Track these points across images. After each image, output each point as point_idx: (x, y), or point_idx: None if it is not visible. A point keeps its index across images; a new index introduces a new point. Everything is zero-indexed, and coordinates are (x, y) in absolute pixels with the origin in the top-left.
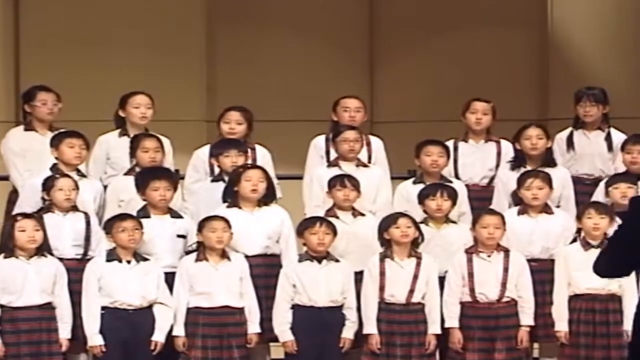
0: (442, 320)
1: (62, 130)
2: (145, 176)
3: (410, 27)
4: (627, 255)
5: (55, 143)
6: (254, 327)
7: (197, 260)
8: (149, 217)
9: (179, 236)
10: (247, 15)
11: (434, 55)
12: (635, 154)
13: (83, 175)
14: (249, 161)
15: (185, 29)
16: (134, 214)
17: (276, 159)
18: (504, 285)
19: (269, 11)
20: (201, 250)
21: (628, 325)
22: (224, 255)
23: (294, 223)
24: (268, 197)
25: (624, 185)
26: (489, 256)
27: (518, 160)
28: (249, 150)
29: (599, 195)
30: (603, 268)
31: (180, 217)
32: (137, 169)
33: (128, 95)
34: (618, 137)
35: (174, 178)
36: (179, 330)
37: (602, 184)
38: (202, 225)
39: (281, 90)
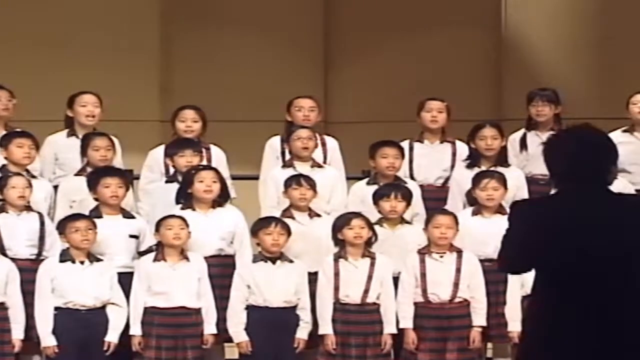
0: (397, 320)
1: (12, 130)
2: (96, 174)
3: (365, 27)
4: (518, 256)
5: (4, 143)
6: (210, 327)
7: (155, 260)
8: (101, 217)
9: (131, 236)
10: (201, 15)
11: (389, 55)
12: None
13: (33, 176)
14: (204, 161)
15: (140, 28)
16: (87, 214)
17: (231, 159)
18: (456, 285)
19: (224, 11)
20: (159, 250)
21: None
22: (182, 255)
23: (249, 223)
24: (222, 198)
25: None
26: (441, 256)
27: (472, 160)
28: (204, 150)
29: None
30: (501, 266)
31: (132, 217)
32: (89, 169)
33: (75, 94)
34: None
35: (125, 176)
36: (136, 330)
37: None
38: (159, 224)
39: (236, 90)
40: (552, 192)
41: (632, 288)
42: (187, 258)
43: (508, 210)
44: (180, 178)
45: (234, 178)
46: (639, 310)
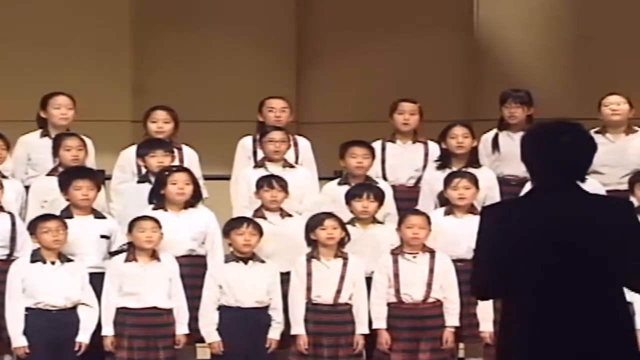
0: (370, 321)
1: None
2: (68, 175)
3: (338, 28)
4: (491, 271)
5: None
6: (182, 327)
7: (127, 260)
8: (72, 217)
9: (102, 237)
10: (174, 14)
11: (362, 56)
12: None
13: (4, 176)
14: (176, 161)
15: (112, 28)
16: (58, 214)
17: (203, 159)
18: (429, 285)
19: (196, 11)
20: (131, 251)
21: None
22: (153, 255)
23: (221, 224)
24: (194, 199)
25: None
26: (414, 257)
27: (444, 160)
28: (176, 150)
29: None
30: (475, 290)
31: (103, 217)
32: (60, 169)
33: (48, 96)
34: None
35: (97, 177)
36: (108, 330)
37: (529, 184)
38: (131, 226)
39: (209, 90)
40: (527, 189)
41: (608, 289)
42: (158, 258)
43: (480, 212)
44: (152, 178)
45: (206, 178)
46: (614, 311)
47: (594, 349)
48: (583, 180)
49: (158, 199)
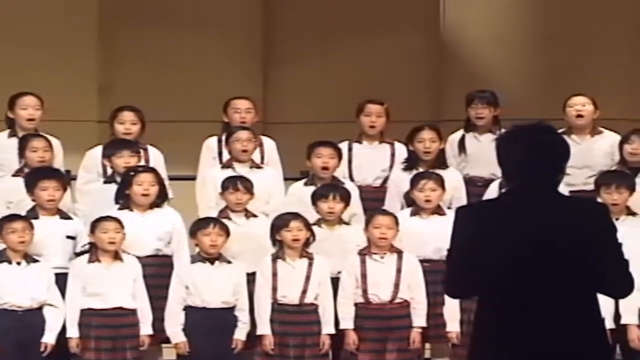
0: (336, 321)
1: None
2: (34, 176)
3: (305, 29)
4: (462, 269)
5: None
6: (146, 328)
7: (90, 261)
8: (38, 218)
9: (68, 237)
10: (140, 14)
11: (328, 57)
12: None
13: None
14: (142, 162)
15: (78, 27)
16: (24, 215)
17: (169, 160)
18: (396, 286)
19: (163, 10)
20: (93, 252)
21: None
22: (116, 256)
23: (187, 224)
24: (160, 199)
25: None
26: (382, 257)
27: (411, 162)
28: (142, 151)
29: (490, 195)
30: (452, 289)
31: (69, 218)
32: (26, 170)
33: (16, 96)
34: None
35: (63, 178)
36: (73, 332)
37: (495, 185)
38: (94, 226)
39: (175, 91)
40: (492, 189)
41: (582, 289)
42: (121, 259)
43: (455, 212)
44: (118, 179)
45: (171, 179)
46: (589, 312)
47: (567, 349)
48: (557, 181)
49: (124, 199)
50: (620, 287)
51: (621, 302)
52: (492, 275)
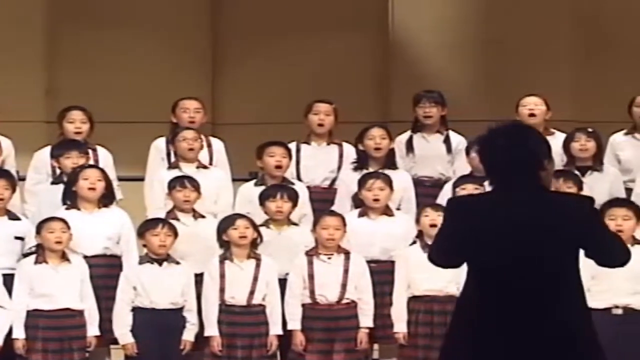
0: (284, 322)
1: None
2: None
3: (253, 29)
4: (447, 253)
5: None
6: (93, 329)
7: (37, 262)
8: None
9: (16, 238)
10: (88, 14)
11: (277, 58)
12: None
13: None
14: (91, 162)
15: (25, 27)
16: None
17: (118, 161)
18: (344, 286)
19: (111, 11)
20: (40, 252)
21: None
22: (63, 257)
23: (136, 225)
24: (107, 198)
25: (471, 187)
26: (329, 258)
27: (360, 162)
28: (90, 151)
29: (445, 196)
30: (433, 256)
31: (18, 218)
32: None
33: None
34: (457, 140)
35: (12, 178)
36: (19, 333)
37: (449, 185)
38: (40, 227)
39: (122, 91)
40: (446, 189)
41: (560, 289)
42: (68, 260)
43: (446, 202)
44: (65, 179)
45: (120, 179)
46: (566, 313)
47: (541, 349)
48: (538, 177)
49: (71, 198)
50: (617, 257)
51: None
52: (475, 273)
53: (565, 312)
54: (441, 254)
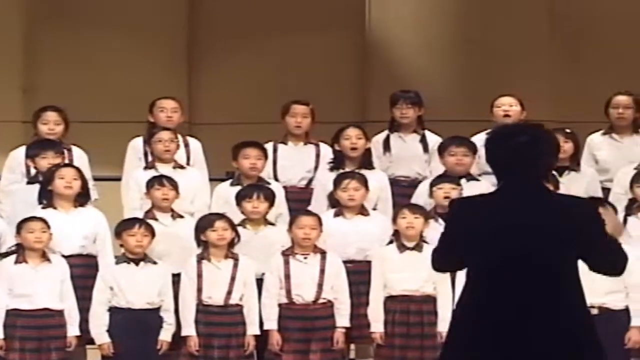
0: (261, 322)
1: None
2: None
3: (230, 29)
4: (450, 254)
5: None
6: (73, 329)
7: (17, 262)
8: None
9: None
10: (65, 14)
11: (254, 57)
12: (459, 155)
13: None
14: (66, 162)
15: (3, 27)
16: None
17: (94, 160)
18: (320, 286)
19: (88, 10)
20: (20, 252)
21: (442, 326)
22: (44, 257)
23: (112, 225)
24: (83, 198)
25: (448, 186)
26: (305, 258)
27: (337, 162)
28: (65, 151)
29: (420, 196)
30: (436, 264)
31: None
32: None
33: None
34: (433, 140)
35: None
36: None
37: (425, 185)
38: (20, 227)
39: (99, 91)
40: (422, 189)
41: (560, 293)
42: (48, 259)
43: (449, 203)
44: (41, 179)
45: (97, 179)
46: (565, 316)
47: (538, 352)
48: (544, 176)
49: (47, 197)
50: (616, 264)
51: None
52: (477, 275)
53: (571, 317)
54: (446, 259)
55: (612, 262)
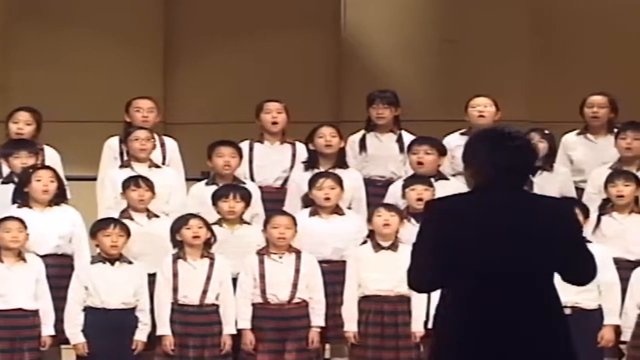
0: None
1: None
2: None
3: (205, 29)
4: (431, 261)
5: None
6: (48, 329)
7: None
8: None
9: None
10: (40, 13)
11: (229, 57)
12: (421, 154)
13: None
14: (39, 162)
15: None
16: None
17: (69, 160)
18: (295, 286)
19: (63, 10)
20: None
21: (416, 326)
22: (19, 256)
23: (87, 224)
24: (59, 198)
25: (421, 187)
26: (280, 257)
27: (311, 162)
28: (38, 151)
29: (392, 196)
30: (414, 282)
31: None
32: None
33: None
34: (409, 140)
35: None
36: None
37: (397, 186)
38: None
39: (74, 90)
40: (394, 188)
41: (540, 300)
42: (24, 259)
43: (424, 205)
44: (15, 179)
45: (72, 179)
46: (543, 322)
47: (530, 340)
48: (525, 181)
49: (22, 197)
50: (583, 275)
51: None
52: (460, 269)
53: (552, 325)
54: (423, 271)
55: (587, 269)
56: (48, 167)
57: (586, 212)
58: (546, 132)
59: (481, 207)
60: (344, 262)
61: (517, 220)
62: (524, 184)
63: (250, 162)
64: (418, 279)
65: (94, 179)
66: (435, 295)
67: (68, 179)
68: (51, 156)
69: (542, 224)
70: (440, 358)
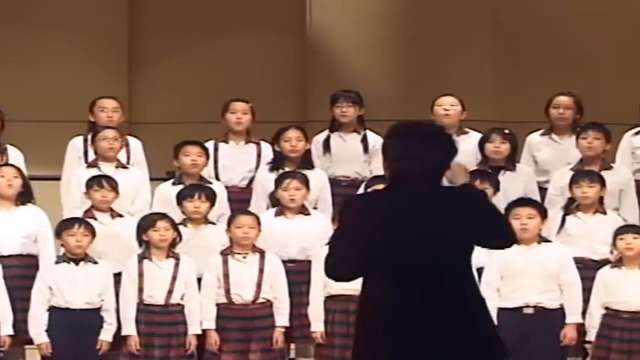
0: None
1: None
2: None
3: (170, 28)
4: (348, 254)
5: None
6: (6, 329)
7: None
8: None
9: None
10: (3, 11)
11: (194, 56)
12: None
13: None
14: (3, 162)
15: None
16: None
17: (33, 160)
18: (259, 286)
19: (25, 9)
20: None
21: None
22: None
23: (52, 224)
24: (24, 197)
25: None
26: (244, 257)
27: (277, 162)
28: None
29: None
30: (332, 272)
31: None
32: None
33: None
34: (374, 140)
35: None
36: None
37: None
38: None
39: (38, 90)
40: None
41: (453, 286)
42: None
43: (342, 204)
44: None
45: (36, 179)
46: (471, 293)
47: (432, 347)
48: (441, 175)
49: None
50: (504, 239)
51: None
52: (378, 263)
53: (472, 314)
54: (341, 263)
55: (505, 231)
56: (11, 165)
57: (542, 212)
58: (506, 131)
59: (396, 203)
60: (309, 261)
61: (430, 214)
62: (440, 180)
63: (216, 162)
64: (337, 270)
65: (58, 178)
66: None
67: (32, 178)
68: (15, 157)
69: (453, 213)
70: (361, 343)
